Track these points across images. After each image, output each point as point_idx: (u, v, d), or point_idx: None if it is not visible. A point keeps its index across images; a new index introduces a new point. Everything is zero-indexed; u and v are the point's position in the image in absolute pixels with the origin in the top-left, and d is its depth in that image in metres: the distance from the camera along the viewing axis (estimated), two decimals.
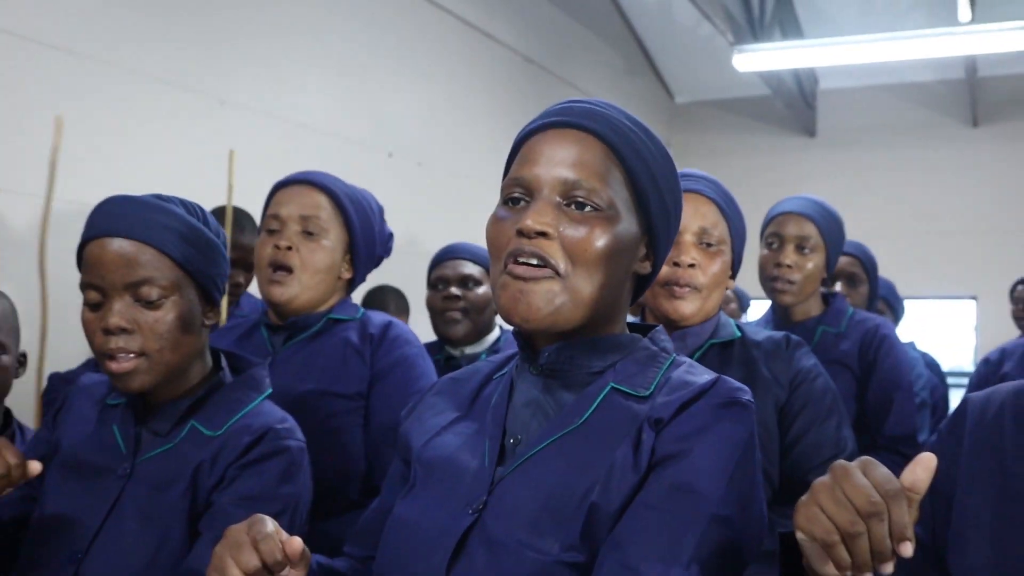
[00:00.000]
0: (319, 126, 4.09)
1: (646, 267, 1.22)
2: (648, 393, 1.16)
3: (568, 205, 1.13)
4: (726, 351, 1.89)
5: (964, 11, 5.43)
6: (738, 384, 1.16)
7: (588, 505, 1.08)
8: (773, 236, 2.52)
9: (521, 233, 1.11)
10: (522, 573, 1.07)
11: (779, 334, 1.94)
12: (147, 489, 1.45)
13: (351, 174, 2.25)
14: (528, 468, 1.15)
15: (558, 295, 1.12)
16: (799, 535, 0.95)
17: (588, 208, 1.13)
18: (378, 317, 2.08)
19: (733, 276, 1.91)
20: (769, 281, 2.52)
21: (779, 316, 2.62)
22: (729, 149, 7.88)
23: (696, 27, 6.74)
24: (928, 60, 6.84)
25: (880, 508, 0.90)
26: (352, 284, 2.10)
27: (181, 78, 3.43)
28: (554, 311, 1.11)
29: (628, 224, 1.16)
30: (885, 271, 3.65)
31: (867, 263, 3.23)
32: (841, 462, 0.96)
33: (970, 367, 6.47)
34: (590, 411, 1.16)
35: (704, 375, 1.17)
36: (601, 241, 1.13)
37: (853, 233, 3.48)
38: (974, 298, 7.28)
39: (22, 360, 2.22)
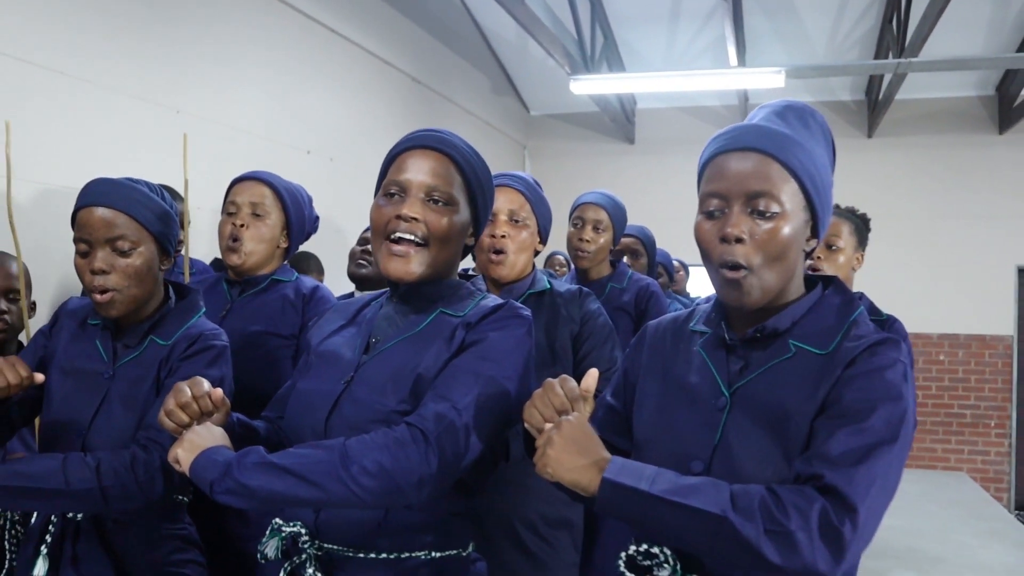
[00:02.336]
0: (254, 130, 4.12)
1: (471, 240, 1.42)
2: (463, 314, 1.34)
3: (429, 201, 1.31)
4: (540, 298, 2.03)
5: (733, 58, 5.82)
6: (520, 305, 1.36)
7: (415, 375, 1.27)
8: (577, 219, 2.72)
9: (400, 218, 1.30)
10: (372, 418, 1.26)
11: (575, 287, 2.09)
12: (126, 384, 1.57)
13: (277, 167, 2.34)
14: (381, 357, 1.33)
15: (424, 259, 1.32)
16: (525, 424, 1.18)
17: (441, 203, 1.32)
18: (308, 281, 2.21)
19: (543, 242, 2.07)
20: (574, 251, 2.72)
21: (580, 275, 2.81)
22: (570, 151, 8.06)
23: (545, 58, 6.75)
24: (713, 91, 7.19)
25: (567, 407, 1.13)
26: (288, 252, 2.23)
27: (147, 93, 3.47)
28: (422, 271, 1.32)
29: (464, 213, 1.36)
30: (680, 245, 3.71)
31: (646, 241, 3.43)
32: (549, 380, 1.17)
33: None
34: (424, 324, 1.34)
35: (497, 301, 1.37)
36: (449, 224, 1.32)
37: (655, 217, 3.81)
38: None
39: (33, 306, 2.34)
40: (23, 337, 2.36)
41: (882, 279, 6.22)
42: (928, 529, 5.14)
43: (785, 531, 0.97)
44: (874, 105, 7.21)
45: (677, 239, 3.78)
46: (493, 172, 1.50)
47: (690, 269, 4.97)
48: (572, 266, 2.87)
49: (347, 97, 5.19)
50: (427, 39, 6.17)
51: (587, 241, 2.69)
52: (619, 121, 7.65)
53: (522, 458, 1.74)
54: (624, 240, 3.25)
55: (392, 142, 1.45)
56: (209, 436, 1.23)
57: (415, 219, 1.30)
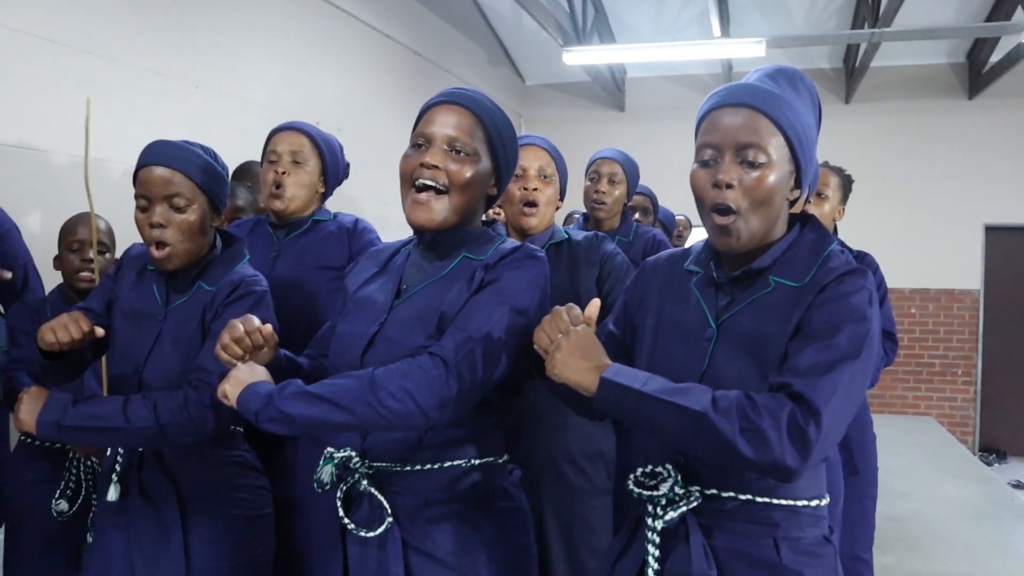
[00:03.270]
0: (267, 103, 4.27)
1: (494, 191, 1.46)
2: (485, 257, 1.37)
3: (451, 151, 1.35)
4: (560, 248, 2.08)
5: (717, 29, 5.96)
6: (535, 247, 1.40)
7: (439, 313, 1.33)
8: (594, 173, 2.75)
9: (423, 165, 1.34)
10: (403, 354, 1.30)
11: (591, 233, 2.14)
12: (176, 325, 1.64)
13: None
14: (411, 300, 1.38)
15: (444, 206, 1.36)
16: (535, 345, 1.24)
17: (462, 153, 1.36)
18: (347, 216, 2.26)
19: (561, 199, 2.15)
20: (591, 203, 2.76)
21: (591, 227, 2.80)
22: (564, 119, 8.09)
23: (539, 31, 6.88)
24: (699, 60, 7.27)
25: (569, 329, 1.19)
26: (324, 196, 2.28)
27: (168, 69, 3.65)
28: (443, 218, 1.36)
29: (485, 163, 1.39)
30: (673, 207, 4.07)
31: (653, 200, 3.63)
32: (556, 307, 1.23)
33: None
34: (448, 269, 1.39)
35: (515, 244, 1.41)
36: (469, 173, 1.36)
37: (647, 180, 3.96)
38: None
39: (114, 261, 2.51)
40: None
41: (859, 236, 6.35)
42: (896, 468, 5.41)
43: (758, 429, 1.05)
44: (851, 73, 7.36)
45: (669, 201, 3.96)
46: None
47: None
48: (581, 218, 2.95)
49: (353, 70, 5.33)
50: (427, 14, 6.30)
51: (604, 192, 2.74)
52: (610, 90, 7.78)
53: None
54: (635, 198, 3.36)
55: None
56: (252, 373, 1.30)
57: (436, 167, 1.34)
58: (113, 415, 1.52)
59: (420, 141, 1.38)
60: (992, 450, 7.20)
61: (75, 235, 2.32)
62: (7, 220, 2.41)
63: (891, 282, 7.91)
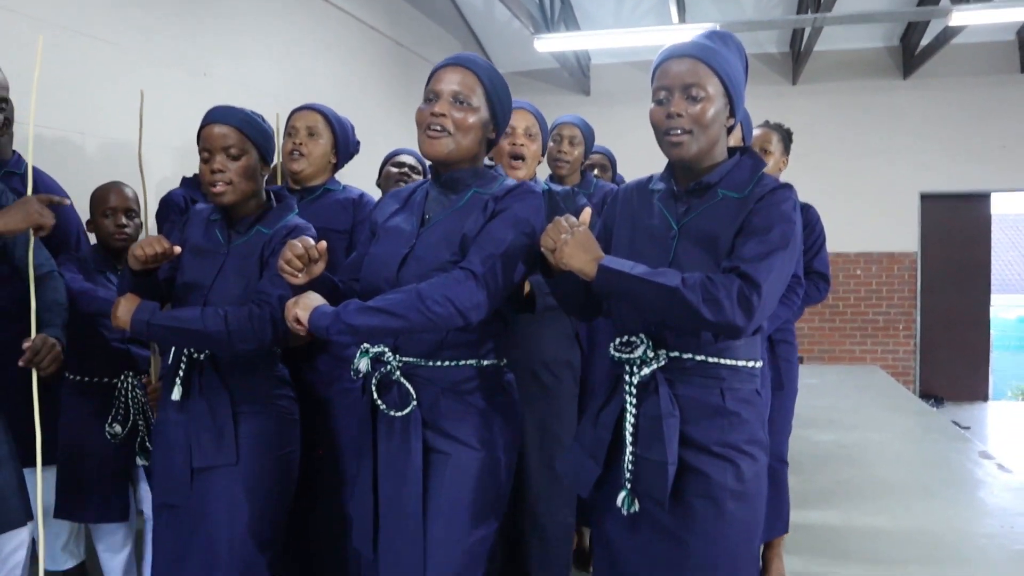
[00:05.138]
0: (268, 92, 4.55)
1: (493, 135, 1.67)
2: (492, 192, 1.60)
3: (455, 103, 1.58)
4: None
5: (674, 16, 6.30)
6: (533, 183, 1.70)
7: (461, 235, 1.55)
8: (556, 135, 2.93)
9: (433, 115, 1.57)
10: (432, 269, 1.53)
11: (568, 187, 2.35)
12: (238, 260, 1.85)
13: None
14: (434, 227, 1.61)
15: (450, 144, 1.59)
16: (542, 247, 1.47)
17: (464, 104, 1.58)
18: (354, 189, 2.46)
19: (543, 156, 2.35)
20: (554, 162, 2.95)
21: (556, 183, 2.80)
22: (533, 103, 8.35)
23: (510, 21, 7.26)
24: (657, 46, 7.69)
25: (567, 232, 1.43)
26: (336, 167, 2.46)
27: (182, 60, 3.92)
28: (448, 153, 1.59)
29: (483, 113, 1.62)
30: (627, 177, 4.19)
31: (611, 158, 3.73)
32: (556, 217, 1.46)
33: None
34: (463, 202, 1.61)
35: (516, 181, 1.64)
36: (470, 120, 1.59)
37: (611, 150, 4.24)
38: None
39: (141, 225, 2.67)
40: None
41: None
42: (846, 406, 5.88)
43: (715, 299, 1.33)
44: (797, 56, 7.81)
45: (630, 176, 4.16)
46: None
47: None
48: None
49: (344, 59, 5.67)
50: (406, 7, 6.65)
51: (565, 152, 2.94)
52: (576, 76, 8.13)
53: (544, 309, 2.13)
54: (593, 157, 3.55)
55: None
56: (316, 298, 1.52)
57: (443, 115, 1.58)
58: (192, 319, 1.75)
59: (430, 96, 1.61)
60: (931, 396, 7.73)
61: (108, 203, 2.50)
62: (61, 191, 2.54)
63: (838, 246, 8.41)
